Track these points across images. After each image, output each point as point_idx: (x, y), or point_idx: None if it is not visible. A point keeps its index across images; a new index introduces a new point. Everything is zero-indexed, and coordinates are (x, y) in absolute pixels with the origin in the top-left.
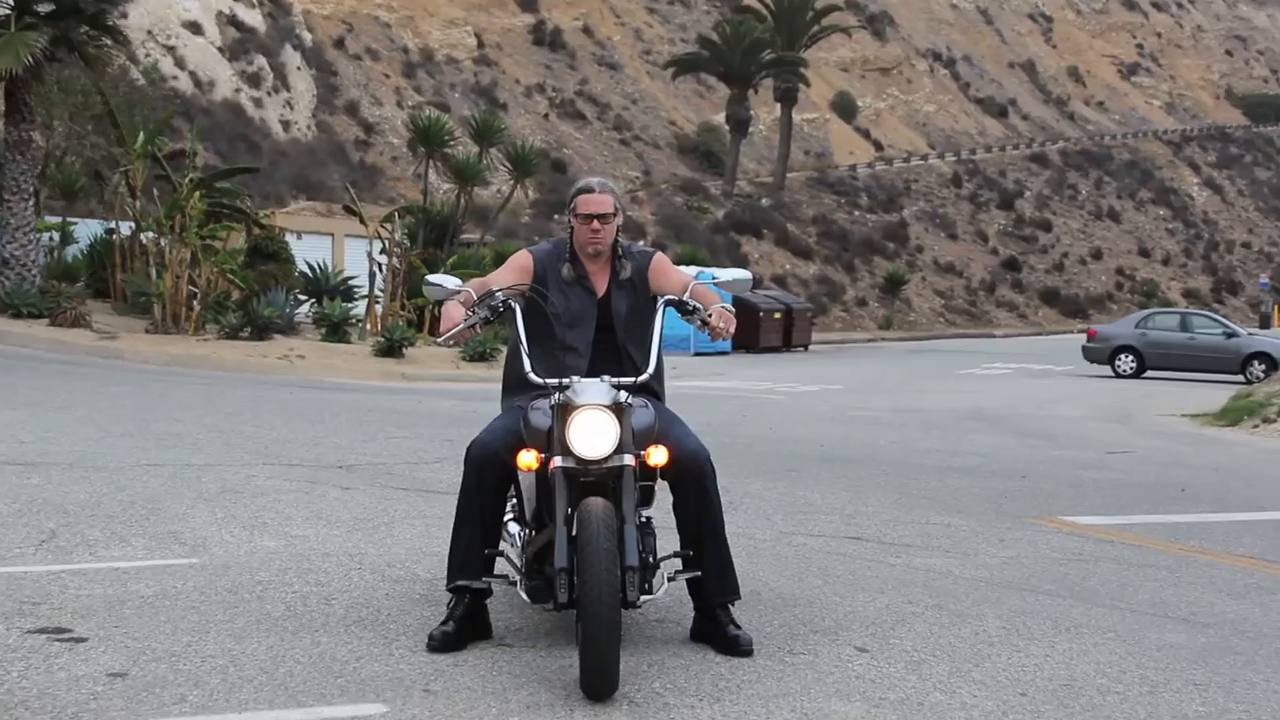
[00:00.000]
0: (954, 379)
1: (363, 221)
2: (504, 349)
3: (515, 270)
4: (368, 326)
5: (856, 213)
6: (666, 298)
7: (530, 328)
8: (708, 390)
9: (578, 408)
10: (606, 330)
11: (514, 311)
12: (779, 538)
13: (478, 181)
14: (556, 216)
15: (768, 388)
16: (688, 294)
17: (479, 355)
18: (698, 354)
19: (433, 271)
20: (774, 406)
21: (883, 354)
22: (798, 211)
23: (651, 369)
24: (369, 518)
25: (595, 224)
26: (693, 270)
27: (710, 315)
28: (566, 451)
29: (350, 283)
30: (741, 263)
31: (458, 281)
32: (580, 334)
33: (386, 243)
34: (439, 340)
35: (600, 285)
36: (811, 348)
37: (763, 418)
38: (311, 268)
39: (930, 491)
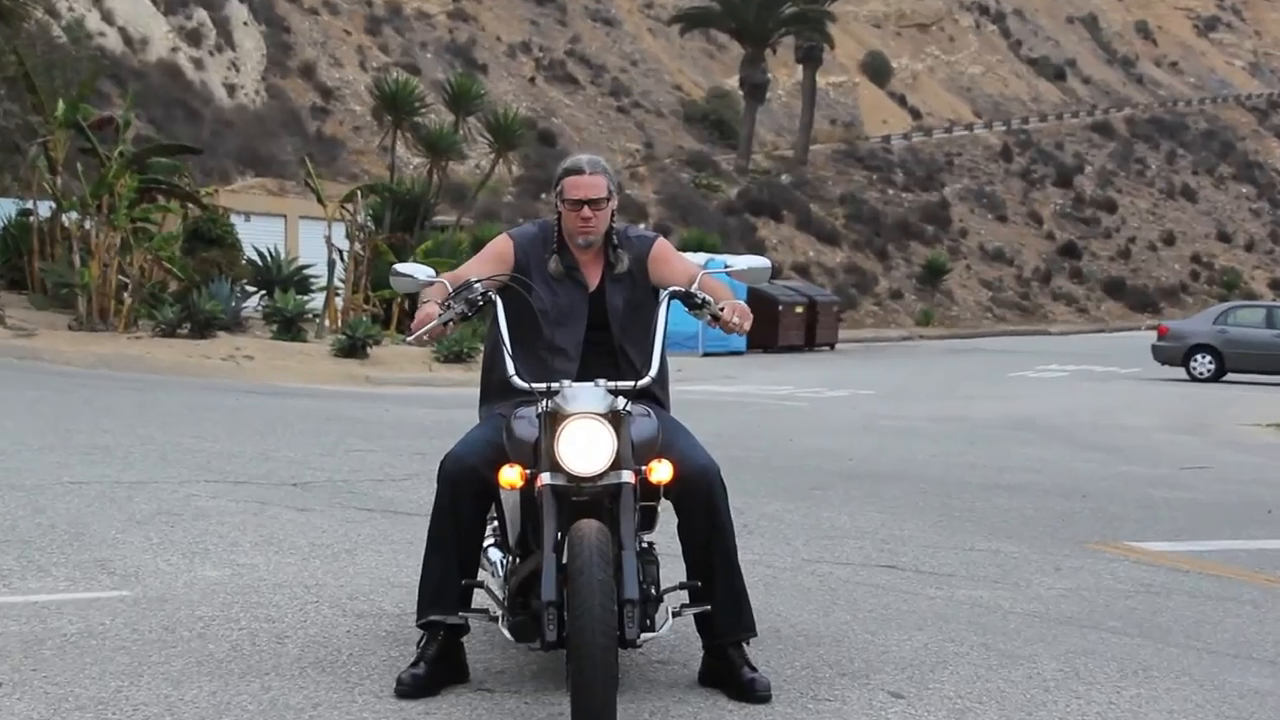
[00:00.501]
0: (1003, 383)
1: (320, 201)
2: (483, 349)
3: (493, 258)
4: (326, 323)
5: (890, 191)
6: (671, 290)
7: (514, 325)
8: (718, 396)
9: (568, 416)
10: (600, 328)
11: (495, 305)
12: (801, 566)
13: (453, 155)
14: (544, 196)
15: (788, 393)
16: (695, 286)
17: (454, 356)
18: (707, 354)
19: (401, 259)
20: (795, 414)
21: (920, 354)
22: (822, 190)
23: (654, 372)
24: (328, 543)
25: (585, 211)
26: (701, 258)
27: (722, 309)
28: (555, 467)
29: (306, 272)
30: (757, 249)
31: (430, 271)
32: (569, 333)
33: (348, 226)
34: (409, 339)
35: (593, 277)
36: (838, 347)
37: (782, 427)
38: (261, 255)
39: (975, 513)
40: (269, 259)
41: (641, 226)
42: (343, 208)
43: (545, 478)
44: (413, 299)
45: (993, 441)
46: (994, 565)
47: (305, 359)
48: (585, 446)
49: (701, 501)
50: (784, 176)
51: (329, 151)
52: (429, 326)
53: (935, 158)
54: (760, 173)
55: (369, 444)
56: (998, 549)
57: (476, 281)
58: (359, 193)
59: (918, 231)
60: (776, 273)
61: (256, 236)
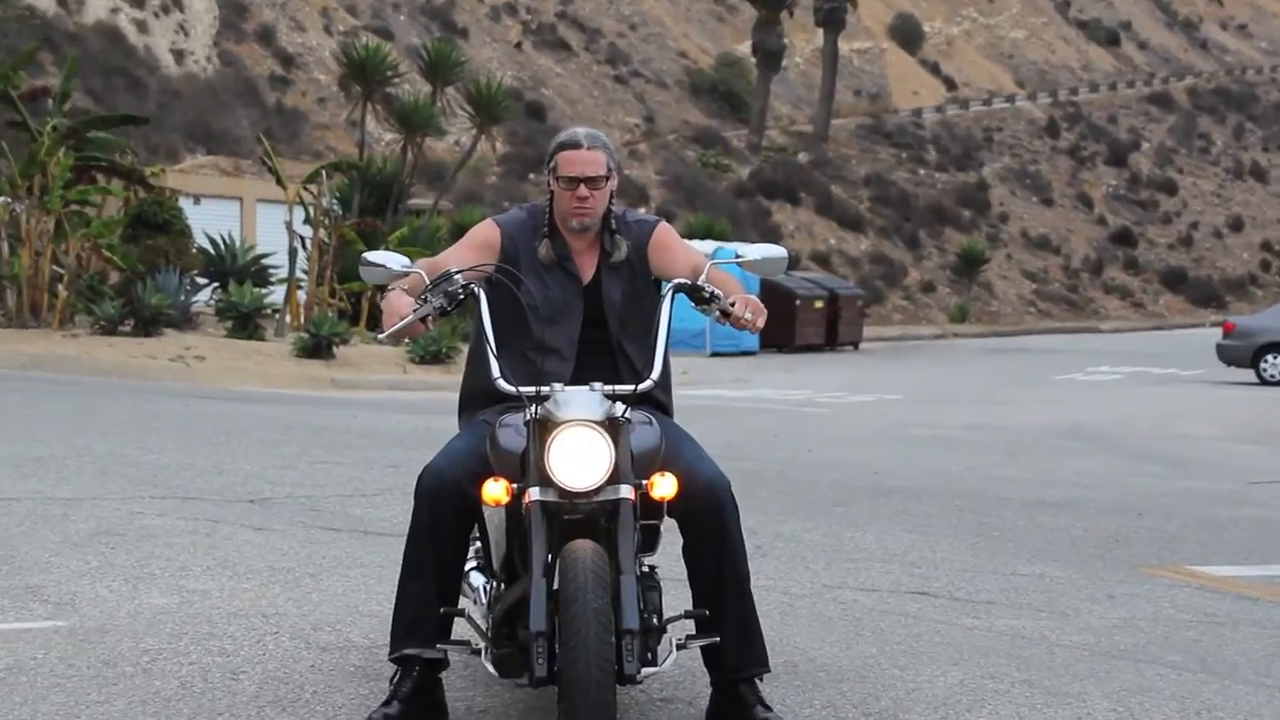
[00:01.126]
0: (1048, 386)
1: (280, 182)
2: (464, 349)
3: (477, 247)
4: (287, 319)
5: (922, 171)
6: (675, 282)
7: (499, 321)
8: (727, 401)
9: (560, 424)
10: (596, 325)
11: (478, 299)
12: (820, 592)
13: (430, 131)
14: (533, 176)
15: (806, 397)
16: (703, 277)
17: (432, 357)
18: (714, 354)
19: (372, 247)
20: (814, 422)
21: (955, 354)
22: (845, 170)
23: (656, 374)
24: (289, 567)
25: (582, 190)
26: (708, 246)
27: (733, 304)
28: (545, 481)
29: (264, 262)
30: (772, 236)
31: (405, 261)
32: (562, 331)
33: (311, 210)
34: (381, 337)
35: (587, 268)
36: (863, 346)
37: (800, 437)
38: (214, 242)
39: (1017, 533)
40: (222, 247)
41: (642, 211)
42: (305, 189)
43: (534, 493)
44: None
45: (1037, 453)
46: (1038, 592)
47: (264, 360)
48: (579, 458)
49: (710, 520)
50: (802, 155)
51: (290, 126)
52: (404, 323)
53: (972, 133)
54: (775, 150)
55: (335, 455)
56: (1042, 573)
57: (457, 272)
58: (324, 173)
59: (952, 216)
60: (794, 263)
61: (208, 221)
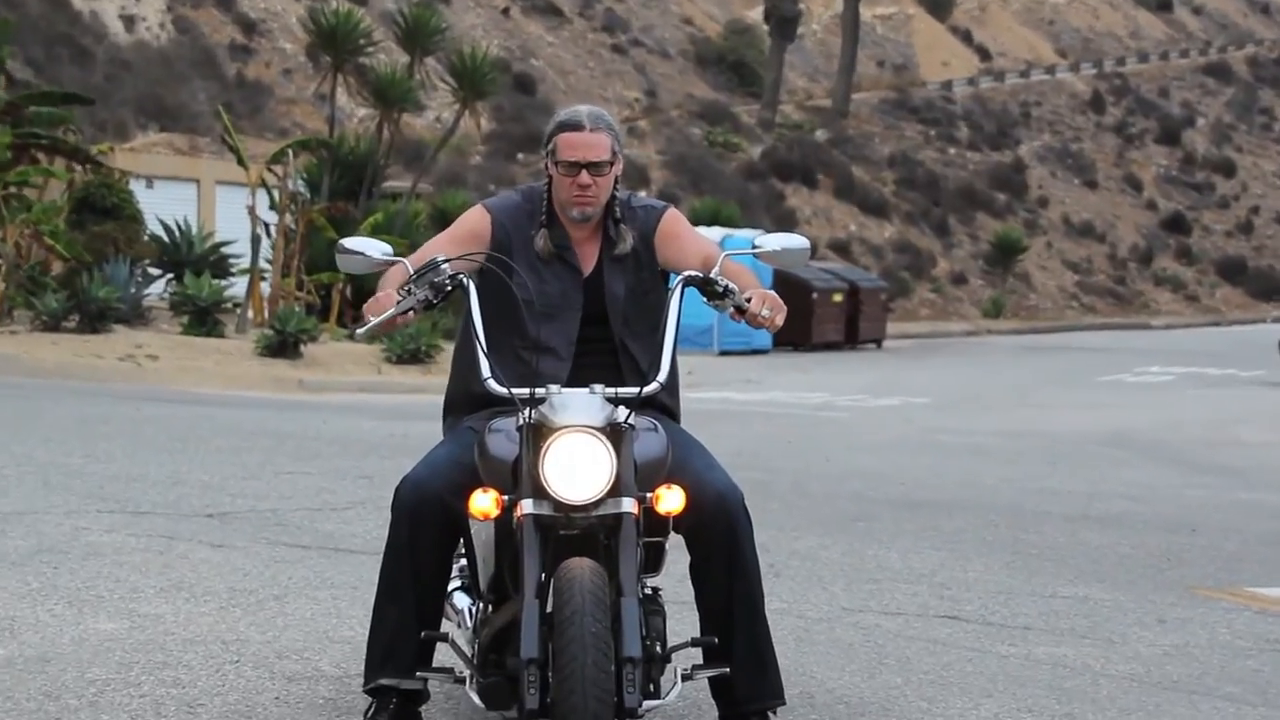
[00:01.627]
0: (1092, 388)
1: (242, 162)
2: (446, 347)
3: (465, 236)
4: (250, 314)
5: (952, 150)
6: (686, 275)
7: (490, 316)
8: (737, 405)
9: (557, 430)
10: (597, 321)
11: (467, 292)
12: (840, 616)
13: (407, 106)
14: (522, 156)
15: (824, 401)
16: (716, 269)
17: (410, 356)
18: (723, 353)
19: (344, 234)
20: (833, 428)
21: (989, 353)
22: (867, 149)
23: (663, 375)
24: (251, 588)
25: (584, 176)
26: (716, 233)
27: (749, 300)
28: (540, 492)
29: (224, 251)
30: (786, 221)
31: (386, 249)
32: (560, 327)
33: (276, 193)
34: (360, 331)
35: (588, 259)
36: (886, 344)
37: (817, 444)
38: (168, 229)
39: (1058, 550)
40: (178, 234)
41: (643, 194)
42: (269, 171)
43: (527, 506)
44: (361, 287)
45: (1080, 462)
46: (1081, 616)
47: (223, 359)
48: (577, 467)
49: (720, 537)
50: (819, 132)
51: (252, 100)
52: (384, 316)
53: (1008, 108)
54: (790, 127)
55: (303, 465)
56: (1085, 595)
57: (444, 262)
58: (290, 152)
59: (986, 200)
60: (811, 252)
61: (162, 206)
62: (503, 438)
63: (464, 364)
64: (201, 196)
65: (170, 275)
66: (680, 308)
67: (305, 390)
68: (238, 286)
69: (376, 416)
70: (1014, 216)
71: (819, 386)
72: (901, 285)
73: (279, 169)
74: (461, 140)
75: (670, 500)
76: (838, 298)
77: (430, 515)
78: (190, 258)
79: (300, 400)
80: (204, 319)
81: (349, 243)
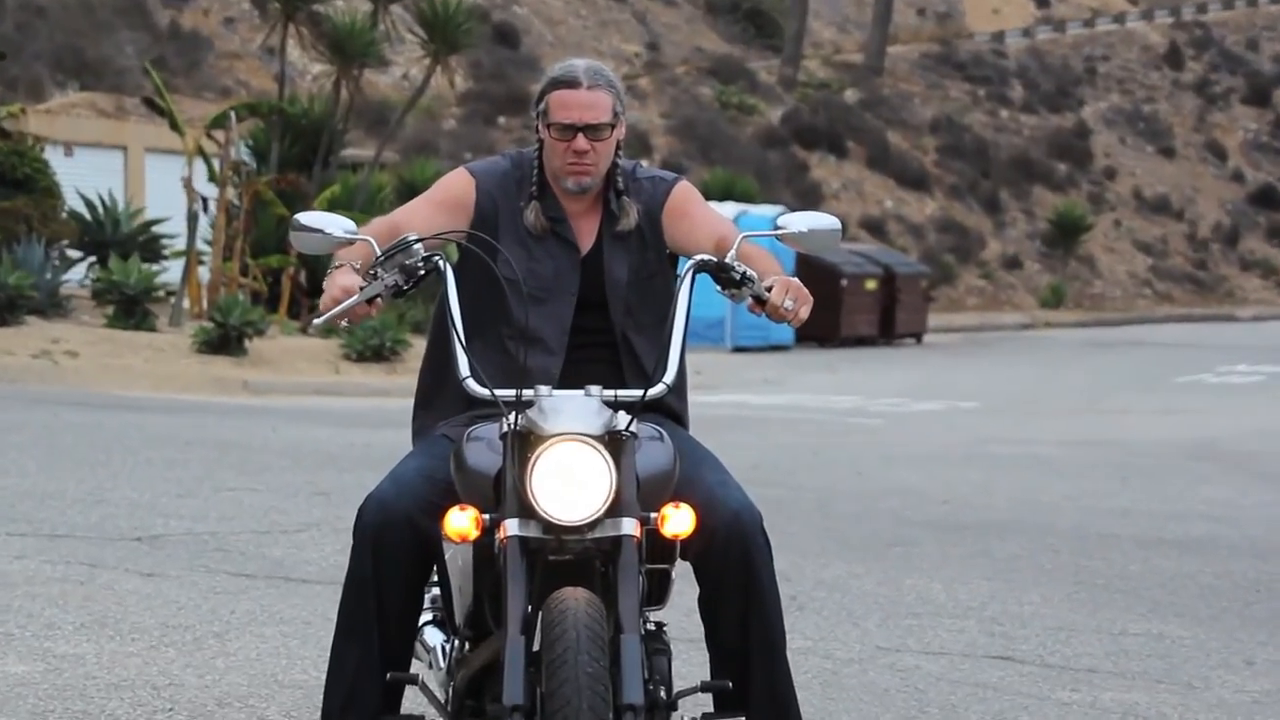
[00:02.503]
0: (1168, 391)
1: (176, 127)
2: (415, 343)
3: (444, 205)
4: (186, 303)
5: (1004, 113)
6: (698, 259)
7: (470, 303)
8: (754, 410)
9: (547, 438)
10: (595, 309)
11: (444, 276)
12: (874, 657)
13: (370, 61)
14: (502, 120)
15: (854, 405)
16: (733, 253)
17: (373, 352)
18: (738, 349)
19: (295, 210)
20: (865, 437)
21: (1048, 349)
22: (906, 111)
23: (670, 376)
24: (187, 624)
25: (580, 141)
26: (729, 210)
27: (770, 288)
28: (527, 511)
29: (156, 230)
30: (810, 196)
31: (349, 225)
32: (551, 314)
33: (217, 163)
34: (317, 321)
35: (586, 236)
36: (927, 338)
37: (847, 456)
38: (90, 205)
39: (1128, 580)
40: (101, 211)
41: (645, 163)
42: (209, 137)
43: (511, 527)
44: (317, 271)
45: (1154, 477)
46: (1155, 656)
47: (155, 356)
48: (570, 482)
49: (735, 564)
50: (849, 92)
51: (188, 54)
52: (347, 304)
53: (1070, 64)
54: (815, 87)
55: (248, 480)
56: (1160, 633)
57: (417, 240)
58: (233, 115)
59: (1044, 171)
60: (841, 233)
61: (83, 177)
62: (483, 447)
63: (439, 358)
64: (129, 167)
65: (92, 258)
66: (691, 297)
67: (251, 393)
68: (172, 272)
69: (334, 423)
70: (1076, 190)
71: (849, 388)
72: (945, 270)
73: (220, 135)
74: (433, 101)
75: (678, 521)
76: (871, 285)
77: (398, 539)
78: (116, 238)
79: (245, 404)
80: (132, 309)
81: (304, 218)
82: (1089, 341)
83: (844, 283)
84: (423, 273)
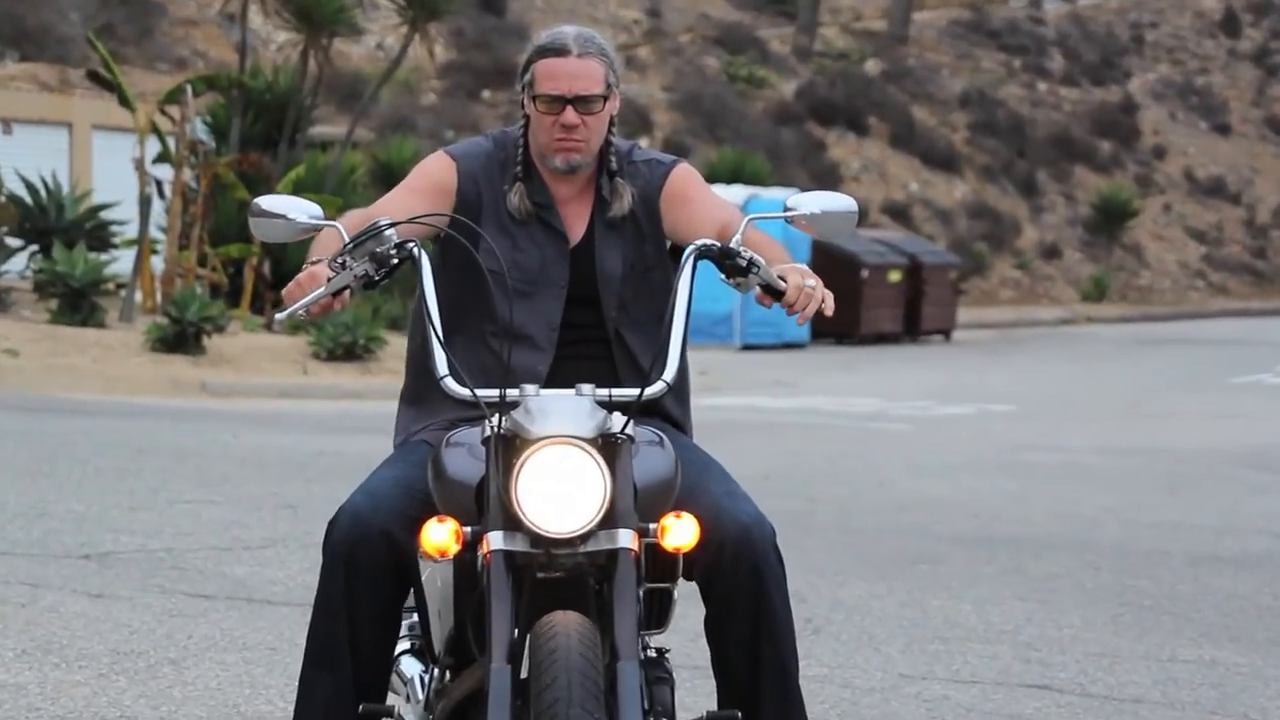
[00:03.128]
0: (1223, 392)
1: (126, 102)
2: (392, 341)
3: (425, 191)
4: (138, 297)
5: (1043, 86)
6: (699, 244)
7: (450, 297)
8: (765, 414)
9: (534, 442)
10: (586, 303)
11: (419, 265)
12: (897, 685)
13: (341, 29)
14: (487, 95)
15: (876, 409)
16: (738, 239)
17: (344, 351)
18: (747, 347)
19: (258, 193)
20: (888, 443)
21: (1090, 346)
22: (932, 85)
23: (670, 375)
24: (140, 650)
25: (569, 114)
26: (737, 193)
27: (782, 277)
28: (513, 523)
29: (104, 216)
30: (828, 177)
31: (315, 210)
32: (538, 309)
33: (172, 142)
34: (281, 315)
35: (576, 222)
36: (956, 335)
37: (868, 464)
38: (31, 187)
39: (1179, 601)
40: (44, 194)
41: (644, 144)
42: (163, 113)
43: (495, 540)
44: (282, 261)
45: (1207, 487)
46: (1209, 685)
47: (104, 355)
48: (560, 490)
49: (744, 583)
50: (870, 63)
51: (140, 22)
52: (312, 296)
53: (1115, 32)
54: (833, 57)
55: (207, 491)
56: (1214, 659)
57: (389, 225)
58: (189, 88)
59: (1086, 151)
60: (861, 217)
61: (22, 158)
62: (464, 453)
63: (420, 356)
64: (75, 145)
65: (34, 247)
66: (692, 287)
67: (210, 395)
68: (122, 262)
69: (302, 429)
70: (1122, 171)
71: (870, 390)
72: (977, 260)
73: (175, 111)
74: (410, 74)
75: (680, 533)
76: (894, 276)
77: (372, 556)
78: (60, 224)
79: (204, 408)
80: (78, 304)
81: (265, 203)
82: (1134, 338)
83: (865, 274)
84: (396, 261)
